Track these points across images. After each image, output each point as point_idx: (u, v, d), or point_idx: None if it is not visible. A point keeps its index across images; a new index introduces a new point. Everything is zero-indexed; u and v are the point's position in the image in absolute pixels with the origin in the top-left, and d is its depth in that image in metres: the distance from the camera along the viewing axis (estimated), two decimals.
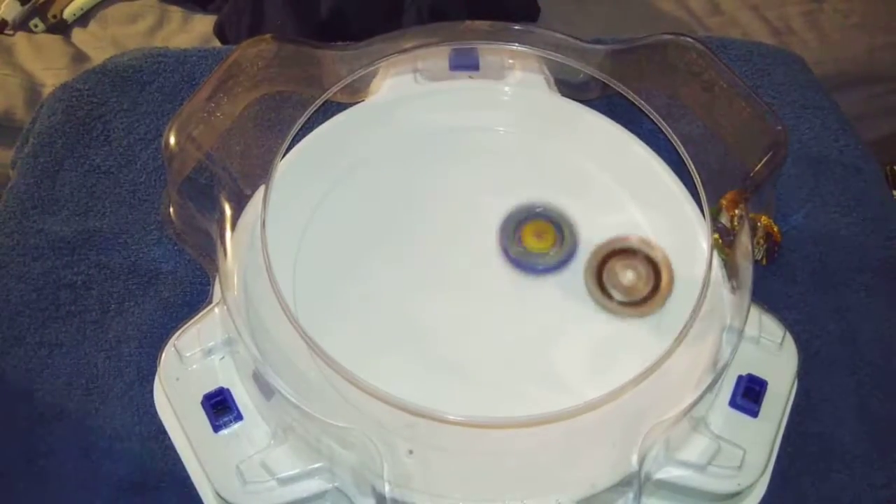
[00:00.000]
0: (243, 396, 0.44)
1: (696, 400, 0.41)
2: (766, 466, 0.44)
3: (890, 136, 0.95)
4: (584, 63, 0.54)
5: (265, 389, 0.42)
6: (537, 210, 0.50)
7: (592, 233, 0.51)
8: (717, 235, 0.48)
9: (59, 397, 0.48)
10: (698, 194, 0.48)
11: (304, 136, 0.52)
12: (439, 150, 0.54)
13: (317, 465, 0.41)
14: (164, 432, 0.46)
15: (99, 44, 0.91)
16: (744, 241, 0.47)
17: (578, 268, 0.49)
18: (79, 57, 0.89)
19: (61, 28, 0.92)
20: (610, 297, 0.47)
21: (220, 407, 0.43)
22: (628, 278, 0.47)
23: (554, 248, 0.49)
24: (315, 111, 0.51)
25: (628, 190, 0.52)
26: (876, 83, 0.91)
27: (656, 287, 0.47)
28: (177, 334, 0.45)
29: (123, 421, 0.47)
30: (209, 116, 0.50)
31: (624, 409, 0.43)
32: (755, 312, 0.46)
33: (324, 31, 0.85)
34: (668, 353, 0.43)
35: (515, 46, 0.54)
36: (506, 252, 0.49)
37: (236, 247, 0.47)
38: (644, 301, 0.47)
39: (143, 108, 0.60)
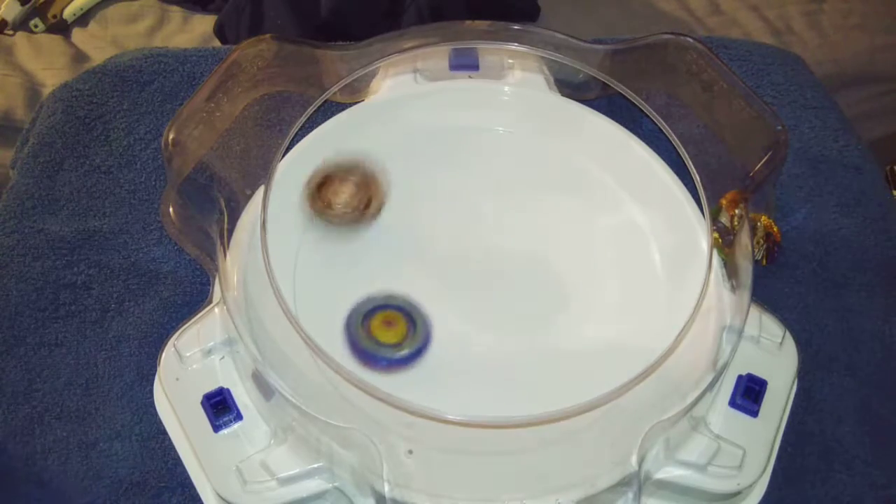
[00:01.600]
0: (243, 396, 0.44)
1: (696, 400, 0.41)
2: (765, 466, 0.44)
3: (890, 136, 0.95)
4: (583, 63, 0.54)
5: (265, 389, 0.42)
6: (383, 301, 0.47)
7: (592, 232, 0.51)
8: (716, 235, 0.48)
9: (59, 397, 0.48)
10: (698, 194, 0.48)
11: (304, 135, 0.53)
12: (439, 150, 0.54)
13: (316, 465, 0.41)
14: (164, 432, 0.46)
15: (99, 44, 0.91)
16: (744, 240, 0.47)
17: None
18: (79, 57, 0.89)
19: (61, 28, 0.92)
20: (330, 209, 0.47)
21: (219, 407, 0.43)
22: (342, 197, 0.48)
23: (406, 340, 0.45)
24: (315, 111, 0.51)
25: (628, 190, 0.52)
26: (876, 83, 0.91)
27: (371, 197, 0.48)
28: (177, 334, 0.45)
29: (123, 421, 0.47)
30: (209, 116, 0.50)
31: (624, 408, 0.43)
32: (755, 312, 0.46)
33: (324, 31, 0.85)
34: (668, 353, 0.43)
35: (515, 46, 0.54)
36: (353, 344, 0.45)
37: (236, 247, 0.47)
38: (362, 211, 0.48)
39: (143, 108, 0.60)
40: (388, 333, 0.45)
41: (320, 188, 0.48)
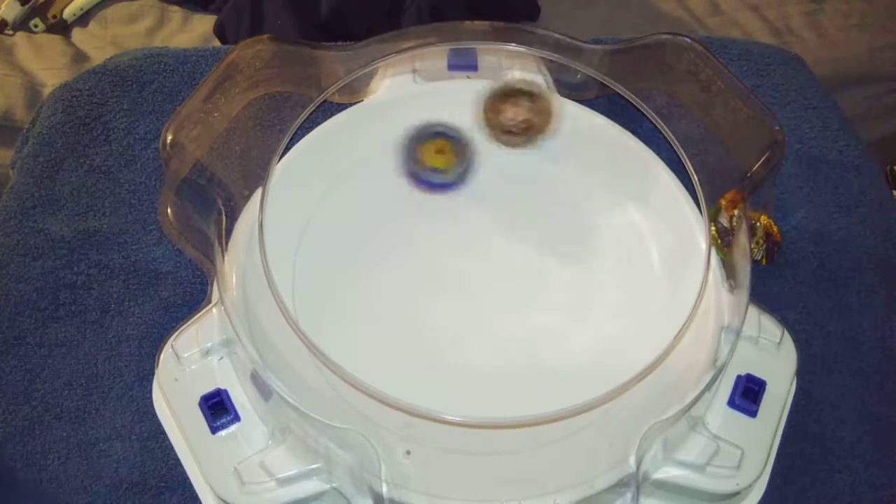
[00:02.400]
0: (241, 397, 0.44)
1: (695, 399, 0.41)
2: (764, 466, 0.44)
3: (890, 136, 0.95)
4: (582, 63, 0.54)
5: (263, 390, 0.42)
6: (436, 129, 0.51)
7: (590, 232, 0.51)
8: (715, 235, 0.48)
9: (59, 397, 0.48)
10: (696, 194, 0.48)
11: (302, 136, 0.53)
12: None
13: (315, 466, 0.41)
14: (164, 432, 0.46)
15: (99, 44, 0.91)
16: (742, 240, 0.47)
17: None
18: (79, 57, 0.90)
19: (61, 28, 0.92)
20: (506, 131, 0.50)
21: (217, 408, 0.43)
22: (511, 115, 0.50)
23: (454, 165, 0.50)
24: (313, 111, 0.51)
25: (627, 190, 0.52)
26: (876, 83, 0.90)
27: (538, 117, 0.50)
28: (175, 335, 0.45)
29: (123, 421, 0.47)
30: (206, 117, 0.50)
31: (622, 409, 0.43)
32: (754, 312, 0.46)
33: (324, 31, 0.85)
34: (667, 353, 0.43)
35: (513, 47, 0.54)
36: (407, 169, 0.50)
37: (234, 248, 0.47)
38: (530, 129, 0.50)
39: (143, 108, 0.60)
40: (438, 159, 0.50)
41: (496, 103, 0.50)
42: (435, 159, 0.50)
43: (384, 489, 0.39)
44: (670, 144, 0.50)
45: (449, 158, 0.51)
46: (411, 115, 0.54)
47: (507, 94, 0.51)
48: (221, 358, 0.45)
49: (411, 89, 0.56)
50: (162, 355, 0.45)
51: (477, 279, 0.49)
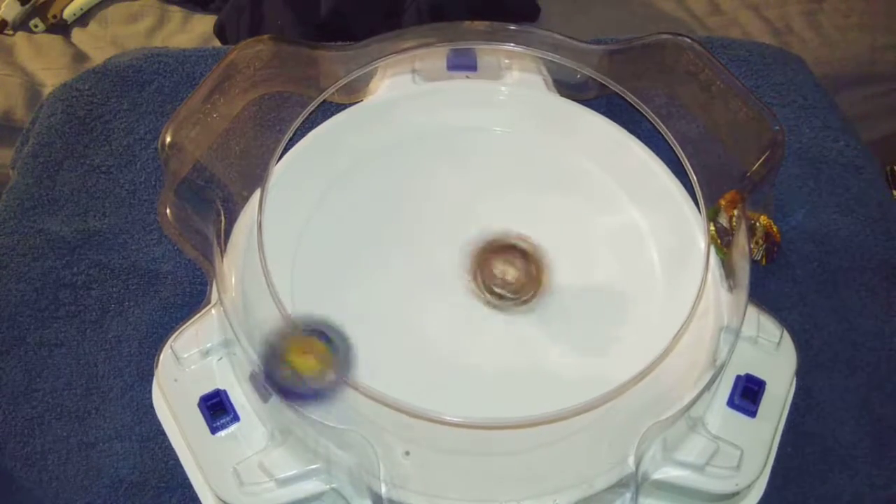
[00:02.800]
0: (240, 398, 0.44)
1: (694, 400, 0.41)
2: (764, 466, 0.44)
3: (890, 136, 0.95)
4: (581, 63, 0.54)
5: (262, 391, 0.42)
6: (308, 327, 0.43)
7: (590, 232, 0.51)
8: (714, 235, 0.48)
9: (59, 397, 0.48)
10: (696, 194, 0.48)
11: (301, 136, 0.53)
12: (437, 151, 0.54)
13: (314, 467, 0.41)
14: (164, 432, 0.46)
15: (99, 44, 0.91)
16: (741, 240, 0.47)
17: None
18: (79, 57, 0.90)
19: (61, 28, 0.92)
20: (495, 294, 0.46)
21: (217, 409, 0.43)
22: (509, 275, 0.46)
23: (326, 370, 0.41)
24: (313, 112, 0.51)
25: (626, 190, 0.52)
26: (876, 83, 0.90)
27: (535, 279, 0.47)
28: (174, 335, 0.45)
29: (123, 421, 0.47)
30: (206, 118, 0.50)
31: (621, 409, 0.43)
32: (753, 312, 0.46)
33: (324, 31, 0.85)
34: (666, 353, 0.43)
35: (512, 47, 0.54)
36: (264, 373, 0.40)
37: (233, 248, 0.47)
38: (526, 294, 0.46)
39: (143, 108, 0.60)
40: (306, 362, 0.41)
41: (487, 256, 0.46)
42: (302, 362, 0.40)
43: (383, 489, 0.39)
44: (670, 144, 0.50)
45: (318, 362, 0.40)
46: (411, 116, 0.55)
47: (497, 250, 0.47)
48: (221, 358, 0.45)
49: (411, 89, 0.55)
50: (161, 356, 0.45)
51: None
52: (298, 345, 0.41)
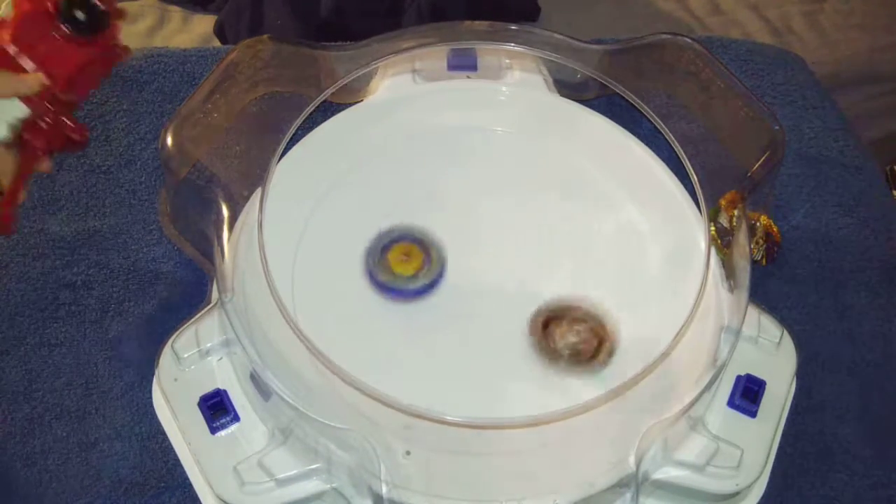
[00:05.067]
0: (241, 397, 0.44)
1: (694, 400, 0.41)
2: (764, 466, 0.44)
3: (890, 136, 0.95)
4: (581, 63, 0.54)
5: (263, 390, 0.42)
6: (400, 233, 0.48)
7: (591, 232, 0.51)
8: (715, 235, 0.48)
9: (59, 397, 0.48)
10: (696, 194, 0.48)
11: (302, 136, 0.53)
12: (437, 151, 0.54)
13: (314, 466, 0.41)
14: (164, 432, 0.46)
15: None
16: (742, 240, 0.47)
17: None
18: None
19: None
20: (558, 356, 0.45)
21: (217, 409, 0.43)
22: (571, 341, 0.45)
23: (421, 271, 0.47)
24: (313, 111, 0.51)
25: (627, 190, 0.52)
26: (876, 83, 0.90)
27: (600, 346, 0.45)
28: (175, 335, 0.45)
29: (123, 421, 0.47)
30: (206, 117, 0.50)
31: (621, 409, 0.43)
32: (753, 312, 0.46)
33: (324, 31, 0.85)
34: (666, 353, 0.43)
35: (513, 47, 0.54)
36: (371, 276, 0.47)
37: (234, 248, 0.47)
38: (590, 359, 0.45)
39: (143, 108, 0.60)
40: (405, 266, 0.47)
41: (546, 326, 0.46)
42: (402, 266, 0.47)
43: (384, 489, 0.39)
44: (670, 144, 0.50)
45: (417, 263, 0.47)
46: (411, 115, 0.55)
47: (560, 315, 0.46)
48: (221, 358, 0.45)
49: (411, 89, 0.56)
50: (162, 355, 0.45)
51: (475, 279, 0.49)
52: (400, 250, 0.48)
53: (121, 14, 0.47)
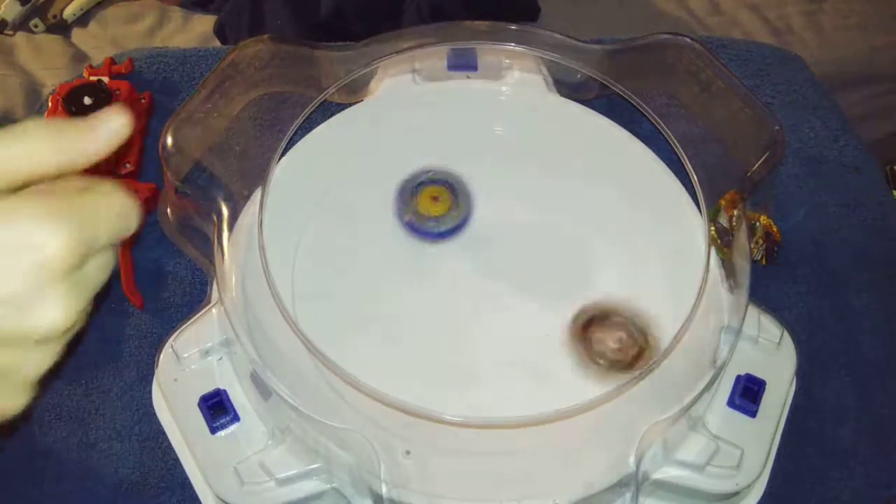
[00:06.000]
0: (241, 397, 0.44)
1: (694, 400, 0.41)
2: (764, 466, 0.44)
3: (890, 136, 0.95)
4: (582, 63, 0.54)
5: (263, 390, 0.42)
6: (429, 175, 0.51)
7: (590, 232, 0.51)
8: (715, 235, 0.48)
9: (59, 397, 0.48)
10: (696, 194, 0.48)
11: (302, 136, 0.53)
12: (437, 151, 0.54)
13: (314, 466, 0.41)
14: (164, 432, 0.46)
15: (99, 44, 0.91)
16: (742, 240, 0.47)
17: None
18: (79, 57, 0.90)
19: (61, 28, 0.93)
20: (597, 362, 0.45)
21: (216, 408, 0.43)
22: (612, 345, 0.45)
23: (450, 212, 0.50)
24: (313, 111, 0.51)
25: (627, 190, 0.52)
26: (876, 83, 0.91)
27: (642, 350, 0.45)
28: (174, 335, 0.45)
29: (123, 421, 0.47)
30: (206, 117, 0.50)
31: (621, 409, 0.43)
32: (753, 312, 0.46)
33: (324, 31, 0.85)
34: (666, 353, 0.43)
35: (513, 46, 0.54)
36: (399, 217, 0.50)
37: (234, 248, 0.47)
38: (632, 362, 0.45)
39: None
40: (434, 207, 0.49)
41: (586, 328, 0.46)
42: (432, 207, 0.49)
43: (384, 489, 0.39)
44: (670, 144, 0.50)
45: (446, 205, 0.49)
46: (411, 115, 0.55)
47: (600, 319, 0.46)
48: (221, 358, 0.45)
49: (411, 89, 0.55)
50: (161, 355, 0.45)
51: (478, 279, 0.49)
52: (429, 192, 0.50)
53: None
